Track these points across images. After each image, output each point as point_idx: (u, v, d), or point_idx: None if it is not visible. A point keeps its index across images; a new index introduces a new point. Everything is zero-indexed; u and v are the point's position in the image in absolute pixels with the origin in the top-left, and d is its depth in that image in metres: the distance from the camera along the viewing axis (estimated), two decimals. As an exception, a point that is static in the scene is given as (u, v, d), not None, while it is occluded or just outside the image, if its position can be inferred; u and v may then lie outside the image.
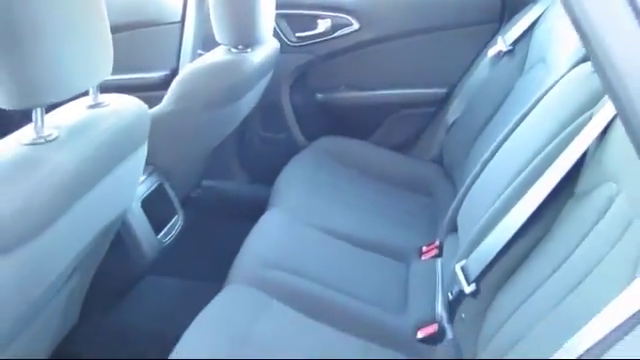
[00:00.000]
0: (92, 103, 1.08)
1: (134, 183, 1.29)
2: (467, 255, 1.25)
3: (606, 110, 1.04)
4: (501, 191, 1.25)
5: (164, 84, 2.02)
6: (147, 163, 1.31)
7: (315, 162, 2.01)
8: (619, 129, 0.96)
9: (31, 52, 0.86)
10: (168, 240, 1.57)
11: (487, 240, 1.20)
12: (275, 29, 2.00)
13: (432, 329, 1.33)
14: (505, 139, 1.44)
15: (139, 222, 1.47)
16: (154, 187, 1.57)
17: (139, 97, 1.23)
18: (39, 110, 0.92)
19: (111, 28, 1.02)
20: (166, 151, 1.57)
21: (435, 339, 1.32)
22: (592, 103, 1.11)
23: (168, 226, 1.60)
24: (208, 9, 2.06)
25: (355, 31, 2.18)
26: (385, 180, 2.00)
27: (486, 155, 1.48)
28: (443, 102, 2.17)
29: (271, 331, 1.26)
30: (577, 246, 0.96)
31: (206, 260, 1.69)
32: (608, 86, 0.58)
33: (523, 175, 1.19)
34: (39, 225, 0.89)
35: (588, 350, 0.68)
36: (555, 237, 1.06)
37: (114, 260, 1.41)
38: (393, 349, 1.29)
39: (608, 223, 0.92)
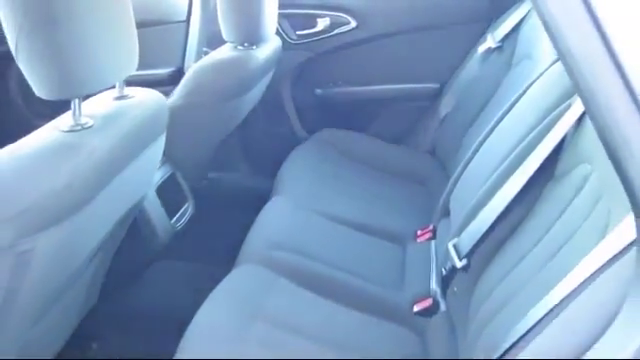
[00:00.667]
0: (118, 95, 1.19)
1: (153, 170, 1.39)
2: (459, 234, 1.37)
3: (582, 100, 1.15)
4: (489, 175, 1.36)
5: (170, 80, 2.12)
6: None
7: (315, 153, 2.10)
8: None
9: (71, 49, 0.96)
10: (180, 225, 1.67)
11: (476, 219, 1.31)
12: (277, 28, 2.09)
13: (427, 303, 1.44)
14: (493, 129, 1.55)
15: (154, 208, 1.58)
16: (167, 176, 1.67)
17: None
18: (77, 100, 1.02)
19: None
20: (177, 142, 1.65)
21: (430, 312, 1.43)
22: (570, 94, 1.22)
23: (180, 212, 1.70)
24: (213, 8, 2.16)
25: (352, 29, 2.28)
26: (381, 170, 2.10)
27: (476, 144, 1.59)
28: (436, 96, 2.26)
29: (279, 306, 1.35)
30: (556, 221, 1.08)
31: (214, 246, 1.78)
32: (576, 85, 0.68)
33: (508, 160, 1.31)
34: (79, 202, 0.99)
35: (559, 302, 0.79)
36: (537, 214, 1.17)
37: (131, 243, 1.50)
38: (391, 322, 1.39)
39: (582, 199, 1.03)
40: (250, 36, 1.79)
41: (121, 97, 1.19)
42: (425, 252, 1.64)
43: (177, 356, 1.18)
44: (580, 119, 1.14)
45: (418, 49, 2.27)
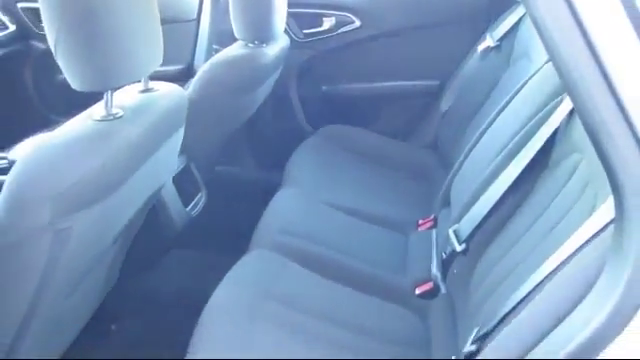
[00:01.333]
0: (143, 88, 1.27)
1: (174, 159, 1.48)
2: (458, 220, 1.46)
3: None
4: (487, 165, 1.46)
5: (180, 76, 2.20)
6: None
7: (321, 148, 2.18)
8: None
9: (105, 46, 1.04)
10: (195, 213, 1.76)
11: (475, 206, 1.40)
12: (285, 26, 2.17)
13: (428, 286, 1.53)
14: (491, 123, 1.64)
15: (171, 196, 1.66)
16: (182, 166, 1.76)
17: None
18: (109, 92, 1.11)
19: None
20: (191, 134, 1.75)
21: (431, 295, 1.52)
22: (562, 90, 1.30)
23: (194, 201, 1.79)
24: (222, 8, 2.24)
25: (357, 28, 2.34)
26: (384, 164, 2.18)
27: (475, 137, 1.68)
28: (437, 93, 2.33)
29: (289, 287, 1.43)
30: (549, 205, 1.17)
31: (226, 234, 1.86)
32: (564, 82, 0.75)
33: (505, 151, 1.40)
34: (112, 185, 1.08)
35: (548, 274, 0.88)
36: (532, 200, 1.26)
37: (149, 229, 1.58)
38: (394, 303, 1.48)
39: (573, 185, 1.12)
40: (260, 34, 1.86)
41: (146, 90, 1.27)
42: (426, 239, 1.73)
43: (196, 332, 1.27)
44: (571, 112, 1.23)
45: (420, 48, 2.34)
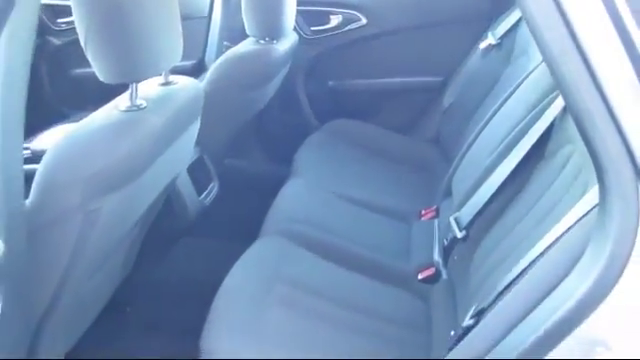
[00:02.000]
0: (163, 82, 1.35)
1: (190, 149, 1.56)
2: (459, 209, 1.53)
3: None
4: (487, 157, 1.53)
5: (192, 72, 2.28)
6: None
7: (327, 141, 2.26)
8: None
9: (131, 41, 1.12)
10: (207, 202, 1.84)
11: (475, 195, 1.48)
12: (294, 24, 2.25)
13: (430, 272, 1.61)
14: (492, 117, 1.72)
15: (185, 185, 1.74)
16: (196, 157, 1.84)
17: None
18: (134, 85, 1.19)
19: None
20: (204, 127, 1.82)
21: (432, 280, 1.60)
22: (558, 86, 1.38)
23: (207, 191, 1.87)
24: (234, 5, 2.31)
25: (363, 26, 2.42)
26: (389, 157, 2.25)
27: (476, 130, 1.76)
28: (440, 89, 2.40)
29: (297, 272, 1.50)
30: (545, 192, 1.24)
31: (237, 223, 1.94)
32: (554, 79, 0.83)
33: (504, 143, 1.48)
34: (136, 171, 1.16)
35: (540, 253, 0.96)
36: (528, 189, 1.34)
37: (164, 216, 1.66)
38: (398, 288, 1.56)
39: (566, 174, 1.20)
40: (271, 31, 1.94)
41: (166, 83, 1.35)
42: (429, 228, 1.81)
43: (211, 312, 1.34)
44: (565, 107, 1.30)
45: (424, 45, 2.40)
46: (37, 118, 1.98)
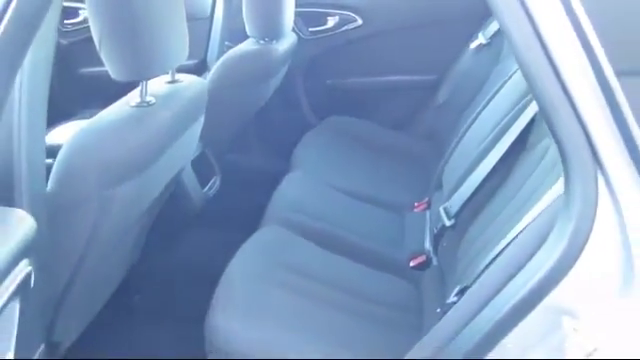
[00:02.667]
0: (170, 80, 1.45)
1: (195, 143, 1.65)
2: (448, 199, 1.63)
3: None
4: (475, 150, 1.63)
5: (195, 70, 2.36)
6: None
7: (325, 137, 2.34)
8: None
9: (142, 42, 1.20)
10: (211, 194, 1.93)
11: (463, 186, 1.58)
12: (292, 25, 2.31)
13: (421, 259, 1.71)
14: (480, 113, 1.81)
15: (189, 177, 1.84)
16: (199, 152, 1.93)
17: None
18: (145, 82, 1.28)
19: None
20: (207, 123, 1.91)
21: (424, 266, 1.69)
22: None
23: (210, 184, 1.97)
24: (235, 6, 2.39)
25: (359, 26, 2.50)
26: (384, 152, 2.34)
27: (465, 125, 1.85)
28: (433, 87, 2.49)
29: (297, 259, 1.59)
30: (525, 182, 1.34)
31: (238, 214, 2.02)
32: (524, 76, 0.92)
33: (490, 137, 1.57)
34: (146, 162, 1.25)
35: (515, 236, 1.06)
36: (512, 179, 1.44)
37: (170, 207, 1.75)
38: (391, 274, 1.65)
39: (544, 165, 1.30)
40: (271, 32, 2.02)
41: (173, 81, 1.44)
42: (421, 219, 1.90)
43: (216, 295, 1.42)
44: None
45: (418, 45, 2.48)
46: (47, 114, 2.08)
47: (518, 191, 1.35)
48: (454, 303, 1.16)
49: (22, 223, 0.92)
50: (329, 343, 1.33)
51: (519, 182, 1.36)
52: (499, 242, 1.15)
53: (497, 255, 1.09)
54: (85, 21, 2.46)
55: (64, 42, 2.70)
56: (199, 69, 2.37)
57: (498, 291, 0.96)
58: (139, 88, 1.29)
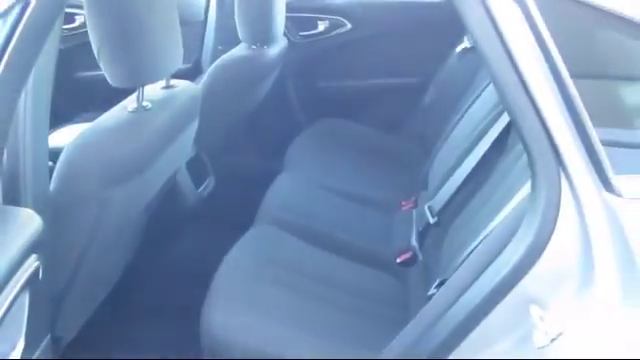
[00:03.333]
0: (165, 85, 1.51)
1: (189, 145, 1.72)
2: (433, 197, 1.70)
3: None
4: (458, 150, 1.70)
5: (188, 75, 2.42)
6: None
7: (316, 139, 2.41)
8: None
9: (138, 51, 1.26)
10: (205, 194, 2.00)
11: (446, 185, 1.65)
12: (284, 29, 2.36)
13: (408, 255, 1.77)
14: (463, 115, 1.89)
15: (184, 178, 1.90)
16: (193, 154, 1.99)
17: None
18: (141, 88, 1.34)
19: None
20: (201, 126, 1.96)
21: (410, 262, 1.76)
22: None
23: (204, 185, 2.03)
24: (228, 11, 2.45)
25: (348, 31, 2.57)
26: (373, 153, 2.39)
27: (450, 126, 1.92)
28: (420, 89, 2.54)
29: (288, 256, 1.66)
30: (502, 181, 1.41)
31: (232, 213, 2.07)
32: (492, 81, 1.00)
33: (471, 138, 1.65)
34: (143, 164, 1.32)
35: (492, 229, 1.13)
36: (491, 179, 1.51)
37: (166, 207, 1.81)
38: (379, 270, 1.73)
39: (521, 164, 1.36)
40: (262, 37, 2.08)
41: (168, 87, 1.51)
42: (408, 217, 1.97)
43: (211, 289, 1.48)
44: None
45: (405, 48, 2.55)
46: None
47: (496, 190, 1.42)
48: (434, 294, 1.24)
49: (30, 221, 0.99)
50: (318, 335, 1.39)
51: (497, 181, 1.43)
52: (477, 237, 1.22)
53: (473, 250, 1.16)
54: (81, 26, 2.52)
55: (60, 47, 2.74)
56: (193, 72, 2.43)
57: (472, 282, 1.03)
58: (135, 94, 1.35)
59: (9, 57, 0.94)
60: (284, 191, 1.98)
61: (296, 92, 2.67)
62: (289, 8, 2.28)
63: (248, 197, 1.98)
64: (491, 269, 1.01)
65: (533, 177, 0.97)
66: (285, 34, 2.42)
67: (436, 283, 1.28)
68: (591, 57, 0.93)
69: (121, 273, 1.74)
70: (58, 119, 2.11)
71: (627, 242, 0.90)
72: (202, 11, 2.58)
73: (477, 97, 1.84)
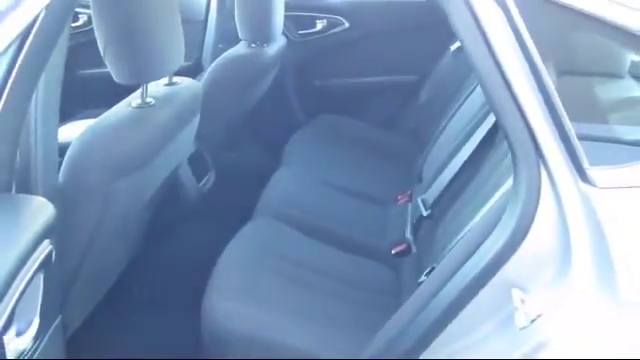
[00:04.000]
0: (168, 82, 1.57)
1: (191, 141, 1.77)
2: (426, 191, 1.76)
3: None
4: (450, 145, 1.76)
5: (189, 73, 2.47)
6: None
7: (314, 135, 2.46)
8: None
9: (143, 49, 1.32)
10: (206, 189, 2.05)
11: (439, 179, 1.71)
12: (282, 28, 2.39)
13: (402, 247, 1.83)
14: (457, 111, 1.94)
15: (186, 174, 1.95)
16: (195, 150, 2.04)
17: None
18: (145, 85, 1.39)
19: None
20: (202, 122, 2.01)
21: (404, 254, 1.82)
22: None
23: (205, 180, 2.08)
24: (228, 10, 2.50)
25: (346, 29, 2.62)
26: (369, 148, 2.45)
27: (444, 122, 1.98)
28: (416, 86, 2.61)
29: (286, 248, 1.71)
30: (492, 174, 1.47)
31: (232, 208, 2.12)
32: (478, 79, 1.06)
33: (463, 133, 1.70)
34: (146, 158, 1.37)
35: (478, 220, 1.19)
36: (481, 171, 1.57)
37: (168, 201, 1.86)
38: (374, 261, 1.78)
39: (508, 159, 1.42)
40: (261, 36, 2.13)
41: (170, 83, 1.56)
42: (403, 211, 2.02)
43: (211, 279, 1.53)
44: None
45: (402, 47, 2.60)
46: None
47: (486, 182, 1.48)
48: (423, 281, 1.30)
49: (43, 208, 1.04)
50: (315, 323, 1.45)
51: (487, 175, 1.49)
52: (466, 227, 1.28)
53: (460, 239, 1.22)
54: (84, 25, 2.57)
55: (64, 45, 2.79)
56: (194, 70, 2.48)
57: (459, 268, 1.09)
58: (139, 90, 1.41)
59: (19, 68, 0.98)
60: (283, 185, 2.03)
61: (295, 89, 2.71)
62: (288, 7, 2.31)
63: (247, 192, 2.03)
64: (476, 256, 1.07)
65: (515, 169, 1.03)
66: (284, 33, 2.47)
67: (427, 271, 1.34)
68: (568, 56, 0.99)
69: (125, 265, 1.80)
70: (61, 115, 2.17)
71: (601, 228, 0.96)
72: (203, 10, 2.63)
73: (469, 95, 1.90)
